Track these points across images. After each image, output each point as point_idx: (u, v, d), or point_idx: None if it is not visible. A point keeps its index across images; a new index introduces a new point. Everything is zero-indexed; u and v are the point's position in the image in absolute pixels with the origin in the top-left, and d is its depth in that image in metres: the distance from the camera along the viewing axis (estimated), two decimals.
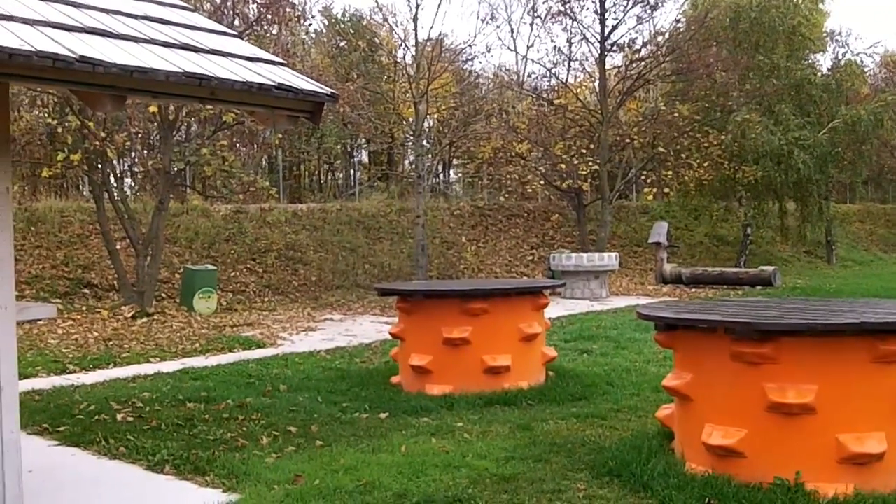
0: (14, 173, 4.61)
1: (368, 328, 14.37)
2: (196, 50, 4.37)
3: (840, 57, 31.57)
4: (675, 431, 5.96)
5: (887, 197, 44.25)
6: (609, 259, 20.37)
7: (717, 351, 5.37)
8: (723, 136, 25.56)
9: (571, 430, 6.94)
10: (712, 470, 5.32)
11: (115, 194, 16.52)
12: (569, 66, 28.60)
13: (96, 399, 8.22)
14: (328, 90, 4.47)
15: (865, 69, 34.55)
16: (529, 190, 27.87)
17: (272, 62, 4.67)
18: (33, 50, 3.45)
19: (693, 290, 21.74)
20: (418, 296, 8.70)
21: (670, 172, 26.61)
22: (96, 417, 7.44)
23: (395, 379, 8.91)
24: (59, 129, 14.81)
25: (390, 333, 9.29)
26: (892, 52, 41.42)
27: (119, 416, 7.48)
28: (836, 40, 32.56)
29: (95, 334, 12.79)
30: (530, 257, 25.81)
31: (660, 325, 5.96)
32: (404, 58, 23.79)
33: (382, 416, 7.51)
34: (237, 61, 4.42)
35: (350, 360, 10.78)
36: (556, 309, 16.08)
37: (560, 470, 5.78)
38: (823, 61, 31.71)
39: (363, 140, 30.99)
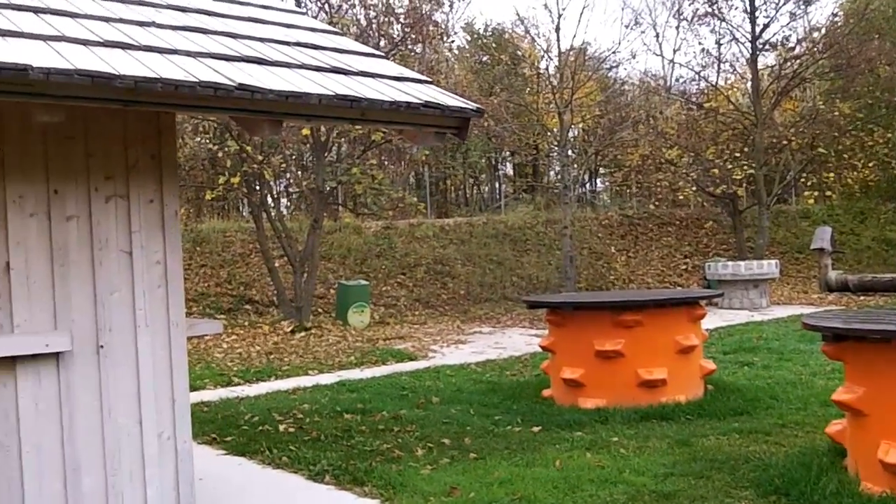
0: (180, 197, 4.96)
1: (518, 340, 14.35)
2: (346, 73, 4.52)
3: None
4: (848, 448, 5.63)
5: None
6: (769, 267, 19.52)
7: (892, 363, 5.06)
8: (889, 134, 24.15)
9: (733, 446, 6.67)
10: (891, 490, 4.99)
11: (273, 214, 17.21)
12: (718, 68, 27.86)
13: (260, 410, 8.57)
14: (474, 105, 4.53)
15: None
16: (681, 197, 27.18)
17: (418, 80, 4.78)
18: (196, 80, 3.66)
19: (862, 298, 20.53)
20: (568, 308, 8.55)
21: (832, 174, 25.38)
22: (260, 428, 7.76)
23: (546, 392, 8.81)
24: (220, 154, 15.58)
25: (541, 346, 9.18)
26: None
27: (281, 427, 7.77)
28: None
29: (258, 348, 13.34)
30: (683, 266, 25.15)
31: (828, 336, 5.61)
32: (547, 68, 23.76)
33: (535, 429, 7.45)
34: (385, 81, 4.55)
35: (501, 373, 10.79)
36: (714, 320, 15.62)
37: (722, 487, 5.56)
38: None
39: (507, 153, 31.09)
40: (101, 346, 4.23)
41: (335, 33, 5.65)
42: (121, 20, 4.37)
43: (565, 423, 7.58)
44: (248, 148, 15.29)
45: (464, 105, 4.48)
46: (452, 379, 10.39)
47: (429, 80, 4.90)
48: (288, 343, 13.89)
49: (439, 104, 4.36)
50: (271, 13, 5.52)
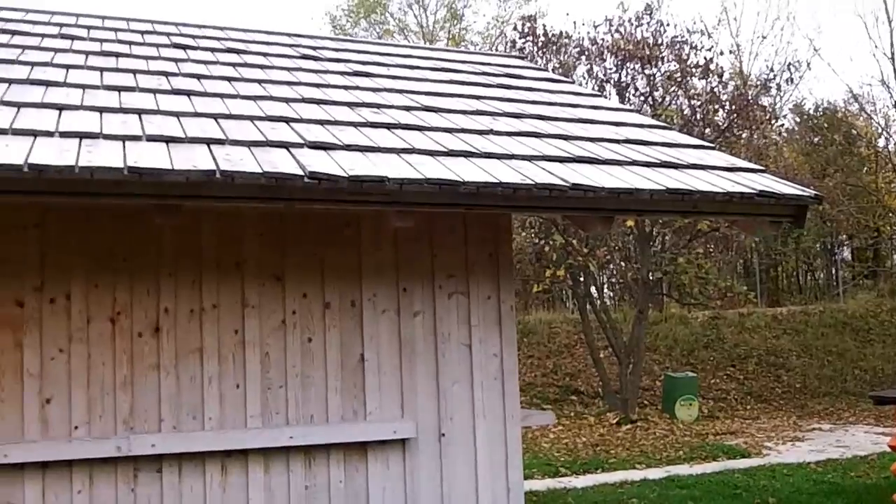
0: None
1: (862, 439, 13.24)
2: (676, 166, 4.56)
3: None
4: None
5: None
6: None
7: None
8: None
9: None
10: None
11: (597, 305, 17.35)
12: None
13: (588, 503, 8.57)
14: (811, 192, 4.38)
15: None
16: None
17: (751, 170, 4.71)
18: (532, 183, 3.88)
19: None
20: None
21: None
22: None
23: None
24: (546, 248, 16.05)
25: (890, 446, 8.51)
26: None
27: None
28: None
29: (584, 439, 13.37)
30: None
31: None
32: (886, 146, 22.17)
33: None
34: (716, 173, 4.53)
35: (844, 474, 10.02)
36: None
37: None
38: None
39: (844, 237, 29.13)
40: (443, 435, 4.50)
41: (662, 127, 5.72)
42: (462, 130, 4.75)
43: None
44: (574, 241, 15.64)
45: (801, 193, 4.34)
46: (790, 479, 9.79)
47: (761, 168, 4.81)
48: (614, 435, 13.79)
49: (774, 193, 4.26)
50: (601, 112, 5.72)
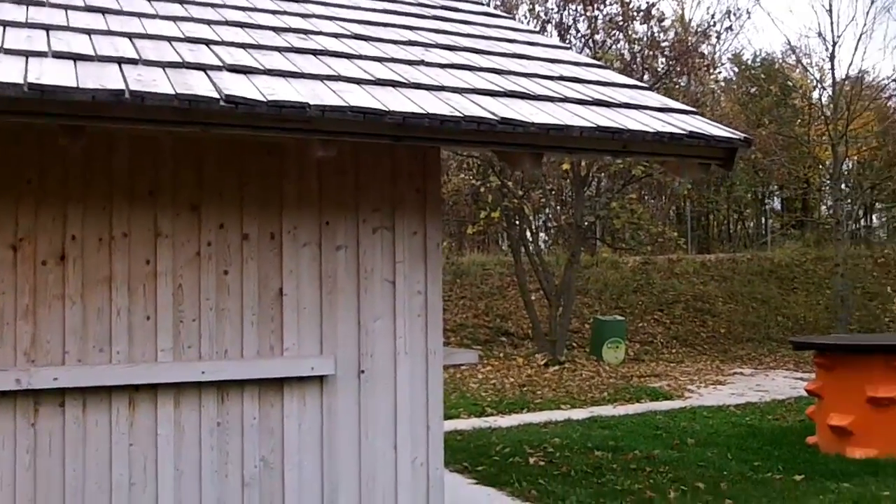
0: (443, 230, 5.13)
1: (781, 383, 13.62)
2: (608, 105, 4.47)
3: None
4: None
5: None
6: None
7: None
8: None
9: None
10: None
11: (531, 248, 17.40)
12: None
13: (511, 442, 8.63)
14: (741, 135, 4.33)
15: None
16: None
17: (683, 111, 4.64)
18: (461, 115, 3.76)
19: None
20: (839, 350, 8.21)
21: None
22: (511, 460, 7.80)
23: (811, 439, 8.42)
24: (482, 190, 15.99)
25: (806, 390, 8.79)
26: None
27: (531, 460, 7.78)
28: None
29: (511, 380, 13.48)
30: None
31: None
32: (820, 99, 22.47)
33: (797, 477, 7.07)
34: (648, 113, 4.45)
35: (762, 417, 10.31)
36: None
37: None
38: None
39: (775, 186, 29.64)
40: (363, 372, 4.41)
41: (598, 66, 5.62)
42: (392, 59, 4.58)
43: (830, 474, 7.16)
44: (510, 183, 15.59)
45: (730, 135, 4.29)
46: (710, 420, 10.03)
47: (694, 110, 4.75)
48: (541, 376, 13.93)
49: (704, 134, 4.21)
50: (537, 49, 5.58)
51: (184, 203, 4.13)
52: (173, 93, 3.28)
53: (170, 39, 4.18)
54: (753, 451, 8.16)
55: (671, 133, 4.15)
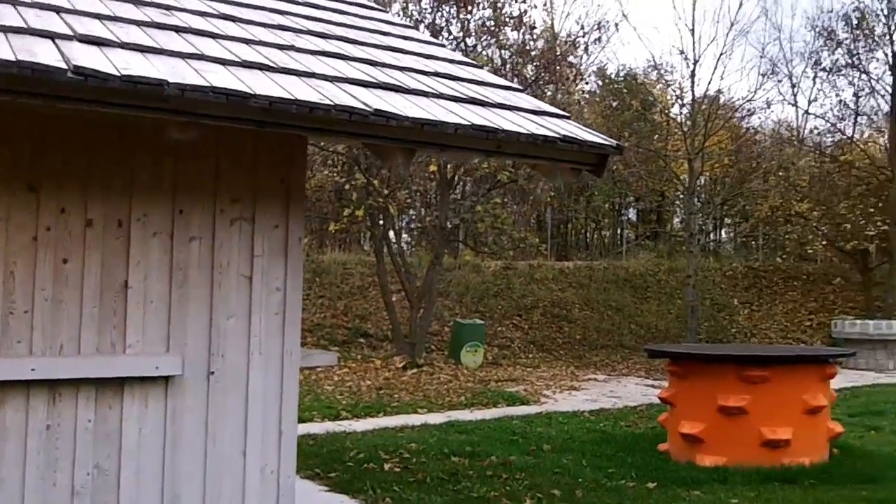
0: (304, 226, 4.91)
1: (633, 390, 13.97)
2: (483, 104, 4.35)
3: None
4: None
5: None
6: None
7: None
8: None
9: None
10: None
11: (394, 248, 17.25)
12: (855, 120, 26.77)
13: (366, 447, 8.42)
14: (613, 142, 4.29)
15: None
16: (809, 251, 26.20)
17: (556, 115, 4.57)
18: (332, 104, 3.55)
19: None
20: (692, 359, 8.35)
21: None
22: (365, 465, 7.60)
23: (662, 446, 8.54)
24: (347, 187, 15.73)
25: (659, 398, 8.95)
26: None
27: (387, 466, 7.60)
28: None
29: (368, 382, 13.27)
30: (808, 323, 24.10)
31: None
32: (680, 114, 23.30)
33: (650, 485, 7.13)
34: (522, 114, 4.36)
35: (615, 423, 10.47)
36: (838, 380, 14.82)
37: None
38: None
39: (632, 198, 30.58)
40: (213, 373, 4.12)
41: (473, 65, 5.51)
42: (261, 42, 4.33)
43: (682, 481, 7.26)
44: (375, 182, 15.39)
45: (603, 141, 4.24)
46: (565, 426, 10.11)
47: (567, 115, 4.69)
48: (399, 379, 13.78)
49: (577, 139, 4.14)
50: (411, 44, 5.42)
51: (20, 183, 3.75)
52: (13, 59, 2.94)
53: (14, 3, 3.80)
54: (608, 457, 8.23)
55: (545, 136, 4.06)
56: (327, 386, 12.68)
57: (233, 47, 4.09)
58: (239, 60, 3.84)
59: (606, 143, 4.27)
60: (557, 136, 4.10)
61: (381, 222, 16.81)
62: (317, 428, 9.56)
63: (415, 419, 10.34)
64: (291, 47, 4.41)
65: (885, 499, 6.74)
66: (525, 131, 4.02)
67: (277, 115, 3.50)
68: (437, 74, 4.76)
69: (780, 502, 6.65)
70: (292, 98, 3.47)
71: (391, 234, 17.70)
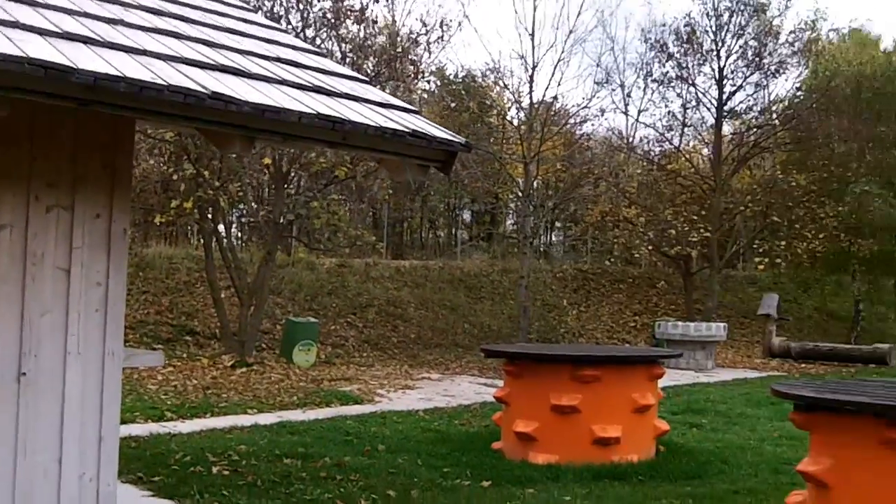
0: (130, 217, 4.57)
1: (467, 389, 14.05)
2: (329, 93, 4.16)
3: None
4: None
5: None
6: (717, 329, 19.98)
7: (863, 436, 4.92)
8: (840, 208, 24.61)
9: None
10: None
11: (224, 243, 16.66)
12: (682, 131, 28.10)
13: (192, 449, 8.03)
14: (462, 139, 4.21)
15: None
16: (636, 255, 27.30)
17: (405, 109, 4.44)
18: (165, 84, 3.28)
19: (802, 365, 20.93)
20: (527, 359, 8.43)
21: (783, 242, 25.71)
22: (192, 469, 7.23)
23: (496, 445, 8.57)
24: (175, 178, 15.05)
25: (494, 397, 9.00)
26: None
27: (215, 469, 7.26)
28: None
29: (195, 382, 12.74)
30: (633, 324, 25.15)
31: (800, 405, 5.46)
32: (517, 117, 23.70)
33: (485, 483, 7.13)
34: (370, 107, 4.20)
35: (449, 422, 10.46)
36: (661, 379, 15.60)
37: None
38: None
39: (468, 199, 30.95)
40: (24, 374, 3.74)
41: (318, 53, 5.30)
42: (86, 14, 3.97)
43: (516, 479, 7.30)
44: (206, 173, 14.80)
45: (452, 138, 4.14)
46: (399, 426, 10.02)
47: (416, 110, 4.56)
48: (228, 379, 13.30)
49: (426, 135, 4.02)
50: (252, 27, 5.15)
51: None
52: None
53: None
54: (442, 457, 8.18)
55: (394, 129, 3.92)
56: (150, 385, 12.07)
57: (53, 17, 3.74)
58: (60, 31, 3.51)
59: (455, 139, 4.18)
60: (406, 130, 3.97)
61: (211, 216, 16.19)
62: (139, 429, 9.04)
63: (244, 420, 9.97)
64: (121, 21, 4.09)
65: (707, 494, 7.00)
66: (373, 123, 3.87)
67: (103, 94, 3.21)
68: (279, 60, 4.54)
69: (612, 499, 6.77)
70: (120, 75, 3.18)
71: (221, 227, 17.10)
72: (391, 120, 4.05)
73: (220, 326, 16.16)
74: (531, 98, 20.67)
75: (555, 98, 22.78)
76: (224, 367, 14.35)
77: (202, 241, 16.83)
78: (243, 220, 23.01)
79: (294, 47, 5.11)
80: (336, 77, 4.62)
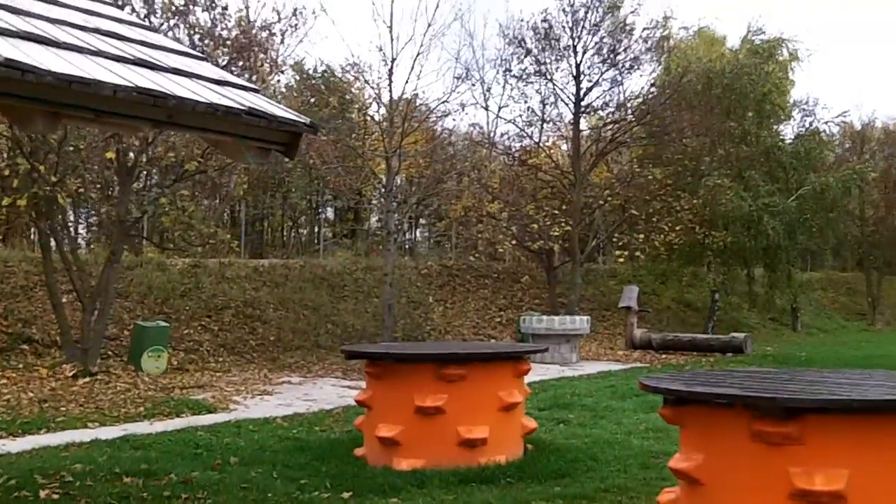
0: None
1: (329, 392, 13.54)
2: (153, 67, 3.66)
3: (808, 125, 31.63)
4: None
5: (846, 265, 44.63)
6: (581, 323, 20.08)
7: (734, 429, 4.80)
8: (694, 201, 25.36)
9: None
10: None
11: (65, 244, 15.53)
12: (542, 126, 28.32)
13: (20, 471, 7.26)
14: (306, 119, 3.77)
15: (833, 138, 35.00)
16: (500, 250, 27.34)
17: (243, 87, 3.97)
18: None
19: (664, 355, 21.39)
20: (389, 359, 8.02)
21: (642, 236, 26.28)
22: (15, 494, 6.50)
23: (359, 451, 8.16)
24: (7, 173, 13.91)
25: (356, 400, 8.57)
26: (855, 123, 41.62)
27: (42, 493, 6.55)
28: (804, 109, 32.47)
29: (30, 394, 11.76)
30: (498, 319, 25.15)
31: (669, 399, 5.29)
32: (378, 112, 23.26)
33: (345, 495, 6.72)
34: (202, 83, 3.71)
35: (309, 429, 9.98)
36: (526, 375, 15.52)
37: None
38: (792, 129, 31.85)
39: (329, 196, 30.33)
40: None
41: (145, 27, 4.76)
42: None
43: (379, 488, 6.93)
44: (42, 168, 13.73)
45: (295, 118, 3.70)
46: (255, 435, 9.47)
47: (255, 88, 4.09)
48: (68, 390, 12.35)
49: (265, 113, 3.57)
50: None
51: None
52: None
53: None
54: (300, 467, 7.72)
55: (227, 107, 3.46)
56: None
57: None
58: None
59: (299, 119, 3.74)
60: (242, 108, 3.51)
61: (49, 214, 15.05)
62: None
63: (84, 435, 9.19)
64: None
65: (577, 493, 6.83)
66: (203, 100, 3.40)
67: None
68: (98, 31, 4.00)
69: None
70: None
71: (61, 227, 15.94)
72: (226, 97, 3.58)
73: (61, 333, 15.06)
74: (391, 91, 20.28)
75: (415, 93, 22.46)
76: (65, 378, 13.35)
77: (40, 241, 15.63)
78: (89, 219, 21.72)
79: (118, 20, 4.56)
80: (163, 51, 4.11)
